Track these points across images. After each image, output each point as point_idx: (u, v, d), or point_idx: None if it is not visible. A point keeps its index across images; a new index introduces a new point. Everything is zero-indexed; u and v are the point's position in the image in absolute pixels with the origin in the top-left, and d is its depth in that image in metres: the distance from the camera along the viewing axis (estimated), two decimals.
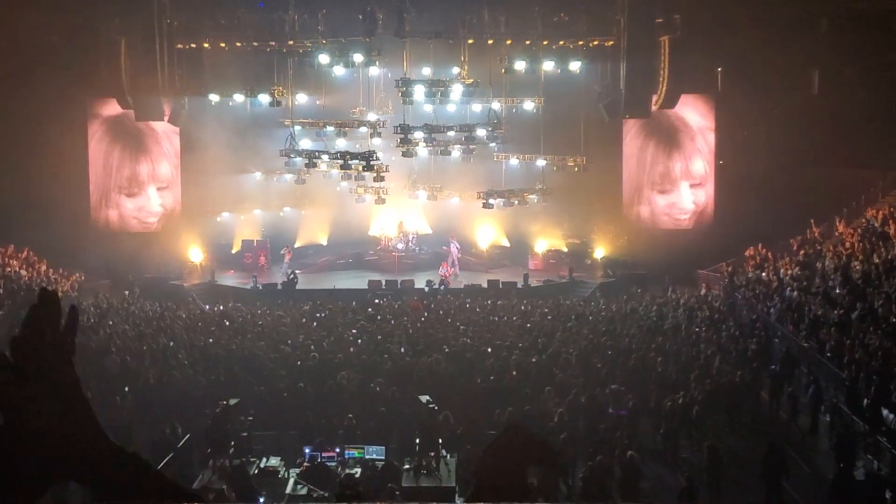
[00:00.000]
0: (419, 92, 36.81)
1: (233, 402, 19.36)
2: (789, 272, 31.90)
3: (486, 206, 39.37)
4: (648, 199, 42.24)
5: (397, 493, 15.06)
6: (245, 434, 18.54)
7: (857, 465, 18.00)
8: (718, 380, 22.05)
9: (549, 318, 31.06)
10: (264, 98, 38.87)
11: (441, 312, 32.27)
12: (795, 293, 28.68)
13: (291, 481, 16.83)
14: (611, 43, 39.57)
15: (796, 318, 26.37)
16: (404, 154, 37.77)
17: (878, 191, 36.29)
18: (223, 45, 40.11)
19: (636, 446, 19.09)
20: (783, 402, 22.23)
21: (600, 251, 41.39)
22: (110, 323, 29.52)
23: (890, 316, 23.23)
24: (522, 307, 33.55)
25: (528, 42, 39.45)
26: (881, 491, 16.30)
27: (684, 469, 17.91)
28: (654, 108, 39.83)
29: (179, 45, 39.92)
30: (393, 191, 40.21)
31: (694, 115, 41.46)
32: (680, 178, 41.98)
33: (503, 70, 38.51)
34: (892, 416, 18.65)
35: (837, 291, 27.02)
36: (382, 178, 37.78)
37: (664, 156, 41.92)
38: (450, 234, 42.24)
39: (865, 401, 19.63)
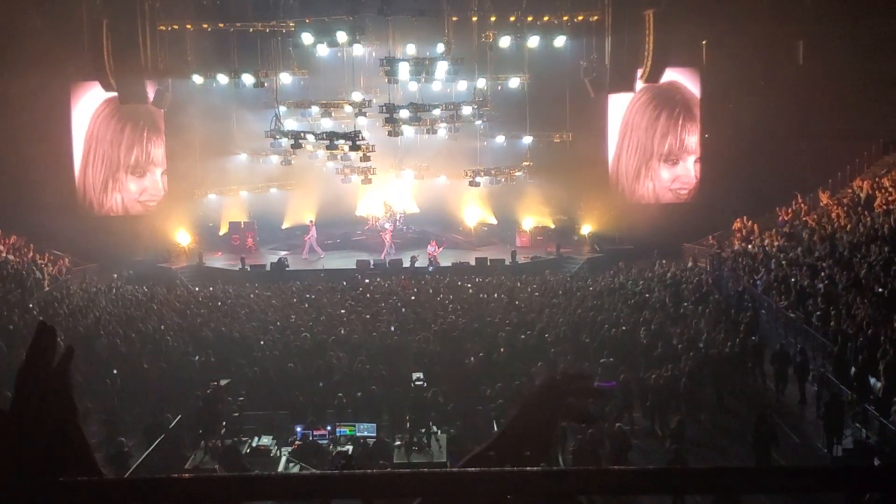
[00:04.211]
0: (404, 70, 36.50)
1: (224, 382, 19.40)
2: (775, 244, 32.02)
3: (473, 184, 39.34)
4: (654, 172, 42.37)
5: (388, 469, 15.12)
6: (236, 414, 18.59)
7: (846, 433, 18.16)
8: (706, 352, 22.16)
9: (537, 294, 31.16)
10: (248, 79, 38.54)
11: (431, 291, 32.31)
12: (782, 264, 28.81)
13: (283, 460, 16.96)
14: (595, 18, 39.38)
15: (782, 290, 26.48)
16: (390, 133, 37.52)
17: (863, 161, 36.38)
18: (206, 25, 39.77)
19: (625, 418, 19.28)
20: (768, 371, 22.35)
21: (587, 227, 41.41)
22: (102, 304, 29.54)
23: (876, 285, 23.37)
24: (510, 284, 33.60)
25: (512, 18, 39.28)
26: (869, 459, 16.45)
27: (672, 440, 17.99)
28: (639, 81, 39.74)
29: (162, 27, 39.49)
30: (379, 170, 39.98)
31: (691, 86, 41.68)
32: (687, 152, 42.24)
33: (488, 47, 38.40)
34: (879, 384, 18.78)
35: (823, 262, 27.14)
36: (368, 158, 37.62)
37: (675, 127, 42.05)
38: (308, 220, 42.02)
39: (853, 370, 19.77)
